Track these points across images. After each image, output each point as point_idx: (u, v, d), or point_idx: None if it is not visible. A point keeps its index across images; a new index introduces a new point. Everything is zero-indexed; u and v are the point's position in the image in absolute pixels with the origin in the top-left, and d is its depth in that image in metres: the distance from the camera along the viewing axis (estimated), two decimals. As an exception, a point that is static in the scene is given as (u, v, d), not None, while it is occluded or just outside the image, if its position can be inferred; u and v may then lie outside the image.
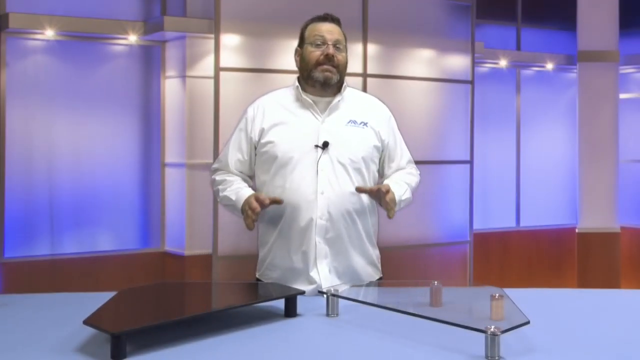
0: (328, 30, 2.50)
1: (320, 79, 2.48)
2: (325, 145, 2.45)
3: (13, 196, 4.54)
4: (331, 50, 2.47)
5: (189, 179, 4.78)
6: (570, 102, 6.62)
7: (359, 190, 2.42)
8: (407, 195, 2.55)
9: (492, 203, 6.37)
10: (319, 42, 2.49)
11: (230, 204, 2.52)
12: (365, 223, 2.52)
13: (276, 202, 2.41)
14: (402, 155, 2.62)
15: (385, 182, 2.55)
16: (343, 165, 2.46)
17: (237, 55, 4.12)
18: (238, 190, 2.50)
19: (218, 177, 2.60)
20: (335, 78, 2.49)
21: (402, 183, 2.55)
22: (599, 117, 6.23)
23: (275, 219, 2.49)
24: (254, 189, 2.57)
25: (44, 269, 4.60)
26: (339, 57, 2.50)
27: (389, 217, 2.42)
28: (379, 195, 2.41)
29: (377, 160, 2.57)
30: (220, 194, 2.55)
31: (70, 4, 4.68)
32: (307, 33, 2.55)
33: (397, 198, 2.47)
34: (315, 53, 2.49)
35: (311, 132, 2.47)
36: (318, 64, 2.48)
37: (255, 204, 2.38)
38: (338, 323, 1.95)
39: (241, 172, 2.58)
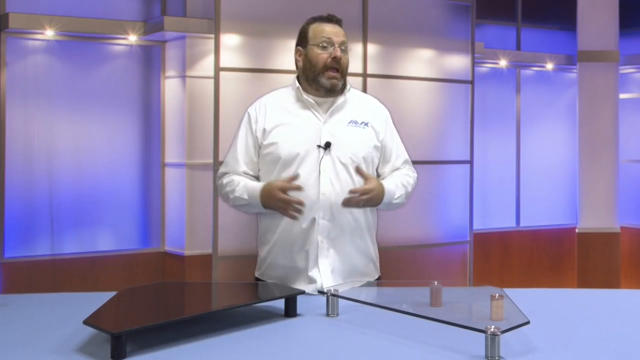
0: (334, 32, 2.50)
1: (326, 86, 2.49)
2: (327, 145, 2.45)
3: (13, 196, 4.54)
4: (338, 52, 2.48)
5: (189, 179, 4.78)
6: (570, 102, 6.61)
7: (358, 170, 2.45)
8: (401, 200, 2.57)
9: (492, 203, 6.37)
10: (325, 44, 2.49)
11: (244, 204, 2.51)
12: (366, 221, 2.54)
13: (293, 179, 2.42)
14: (397, 155, 2.62)
15: (387, 179, 2.56)
16: (345, 165, 2.47)
17: (237, 55, 4.12)
18: (246, 186, 2.49)
19: (225, 180, 2.57)
20: (340, 84, 2.50)
21: (400, 185, 2.56)
22: (599, 117, 6.23)
23: (277, 219, 2.49)
24: None
25: (44, 269, 4.60)
26: (344, 59, 2.51)
27: (343, 204, 2.44)
28: (363, 189, 2.44)
29: (376, 160, 2.59)
30: (231, 196, 2.53)
31: (70, 4, 4.68)
32: (311, 33, 2.53)
33: (388, 199, 2.51)
34: (322, 55, 2.49)
35: (313, 133, 2.48)
36: (325, 67, 2.48)
37: (288, 198, 2.38)
38: (338, 323, 1.95)
39: (250, 175, 2.56)
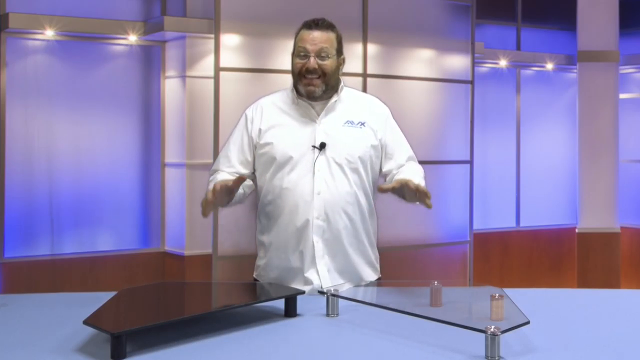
0: (311, 40, 2.47)
1: (303, 93, 2.50)
2: (322, 146, 2.46)
3: (13, 196, 4.54)
4: (311, 63, 2.45)
5: (189, 179, 4.78)
6: (570, 102, 6.62)
7: (381, 190, 2.34)
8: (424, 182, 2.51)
9: (492, 203, 6.37)
10: (301, 54, 2.48)
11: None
12: (364, 223, 2.53)
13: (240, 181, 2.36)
14: (401, 151, 2.60)
15: (406, 176, 2.44)
16: (340, 165, 2.47)
17: (237, 55, 4.12)
18: (214, 179, 2.48)
19: (210, 178, 2.58)
20: (319, 90, 2.48)
21: (419, 177, 2.49)
22: (599, 117, 6.23)
23: (272, 219, 2.50)
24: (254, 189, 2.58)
25: (44, 269, 4.60)
26: (324, 66, 2.47)
27: (429, 206, 2.31)
28: (407, 189, 2.31)
29: (375, 159, 2.57)
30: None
31: (70, 4, 4.68)
32: (295, 41, 2.54)
33: (420, 177, 2.47)
34: (298, 65, 2.49)
35: (308, 134, 2.48)
36: (301, 76, 2.48)
37: (210, 196, 2.31)
38: (338, 323, 1.95)
39: (242, 173, 2.57)
